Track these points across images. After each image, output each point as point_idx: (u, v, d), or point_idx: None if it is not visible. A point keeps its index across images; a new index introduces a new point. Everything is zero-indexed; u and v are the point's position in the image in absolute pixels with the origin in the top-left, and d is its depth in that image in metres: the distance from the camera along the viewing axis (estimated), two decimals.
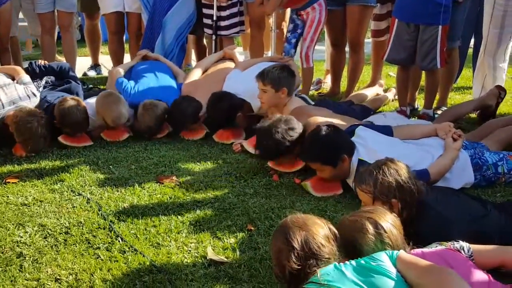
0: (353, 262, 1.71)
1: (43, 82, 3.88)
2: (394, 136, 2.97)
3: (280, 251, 1.76)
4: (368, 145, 2.82)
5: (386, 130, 3.00)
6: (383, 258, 1.71)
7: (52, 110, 3.47)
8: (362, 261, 1.71)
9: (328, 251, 1.74)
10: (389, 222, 1.91)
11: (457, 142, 2.82)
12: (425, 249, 1.90)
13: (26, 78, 3.72)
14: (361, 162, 2.74)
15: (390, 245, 1.84)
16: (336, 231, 1.84)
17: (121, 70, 4.19)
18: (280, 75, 3.49)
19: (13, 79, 3.71)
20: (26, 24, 5.51)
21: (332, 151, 2.76)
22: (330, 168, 2.79)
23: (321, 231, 1.77)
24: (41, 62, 3.98)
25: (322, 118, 3.19)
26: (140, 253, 2.22)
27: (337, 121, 3.23)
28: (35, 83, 3.77)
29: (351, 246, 1.87)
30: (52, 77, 3.92)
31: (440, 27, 3.73)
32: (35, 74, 3.84)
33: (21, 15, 5.30)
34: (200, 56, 5.23)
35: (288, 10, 4.91)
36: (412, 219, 2.16)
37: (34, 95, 3.60)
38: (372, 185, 2.20)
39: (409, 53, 3.94)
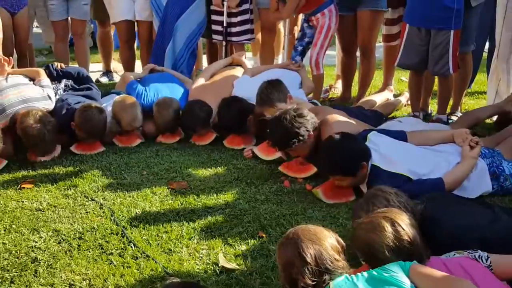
0: (365, 273, 1.68)
1: (62, 85, 3.88)
2: (408, 142, 2.94)
3: (291, 264, 1.72)
4: (381, 151, 2.80)
5: (400, 136, 2.97)
6: (396, 269, 1.67)
7: (72, 113, 3.50)
8: (374, 272, 1.67)
9: (341, 265, 1.71)
10: (406, 220, 1.86)
11: (475, 150, 2.77)
12: (444, 257, 1.88)
13: (46, 81, 3.74)
14: (374, 167, 2.73)
15: (409, 242, 1.80)
16: (343, 243, 1.80)
17: (132, 77, 4.23)
18: (276, 89, 3.46)
19: (33, 80, 3.74)
20: (40, 31, 5.60)
21: (352, 162, 2.73)
22: (350, 178, 2.77)
23: (332, 245, 1.74)
24: (58, 65, 3.97)
25: (339, 117, 3.18)
26: (152, 259, 2.24)
27: (352, 123, 3.22)
28: (53, 85, 3.78)
29: (368, 249, 1.83)
30: (70, 80, 3.93)
31: (452, 31, 3.70)
32: (52, 77, 3.85)
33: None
34: (212, 60, 5.25)
35: (300, 16, 4.93)
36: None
37: (49, 97, 3.60)
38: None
39: (421, 58, 3.92)
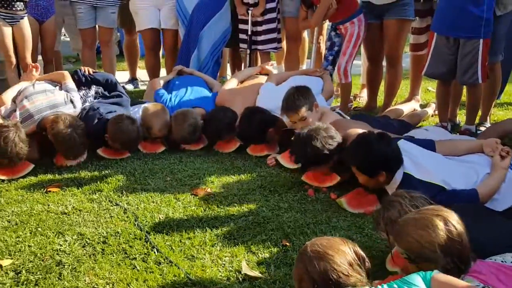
0: (385, 285, 1.61)
1: (93, 92, 3.88)
2: (436, 151, 2.88)
3: (302, 280, 1.68)
4: (414, 159, 2.74)
5: (429, 145, 2.91)
6: (417, 281, 1.60)
7: (104, 123, 3.52)
8: (395, 285, 1.60)
9: (353, 281, 1.63)
10: (458, 221, 1.78)
11: (506, 160, 2.69)
12: (489, 261, 1.81)
13: (71, 84, 3.77)
14: (406, 176, 2.66)
15: (459, 242, 1.72)
16: (363, 255, 1.71)
17: (161, 82, 4.28)
18: (303, 96, 3.41)
19: (59, 84, 3.79)
20: (68, 39, 5.71)
21: (373, 163, 2.66)
22: (366, 176, 2.72)
23: (343, 259, 1.65)
24: (86, 70, 3.98)
25: (363, 131, 3.11)
26: (175, 265, 2.23)
27: None
28: (82, 91, 3.82)
29: (417, 247, 1.74)
30: (100, 87, 3.93)
31: (481, 40, 3.64)
32: (81, 83, 3.88)
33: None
34: (235, 68, 5.28)
35: (326, 24, 4.91)
36: None
37: (72, 102, 3.63)
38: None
39: (449, 68, 3.85)
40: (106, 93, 3.92)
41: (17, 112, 3.48)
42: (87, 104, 3.73)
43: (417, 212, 1.85)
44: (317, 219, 2.67)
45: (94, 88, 3.91)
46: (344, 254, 1.67)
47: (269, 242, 2.43)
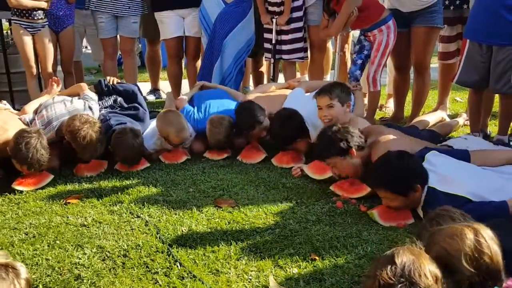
0: None
1: (110, 101, 3.84)
2: (471, 161, 2.77)
3: (378, 264, 1.60)
4: (438, 171, 2.64)
5: (463, 155, 2.80)
6: None
7: (111, 135, 3.48)
8: None
9: (426, 285, 1.55)
10: (490, 234, 1.71)
11: None
12: None
13: (89, 93, 3.76)
14: (430, 189, 2.56)
15: (489, 256, 1.65)
16: (439, 274, 1.61)
17: (186, 98, 4.20)
18: (342, 90, 3.42)
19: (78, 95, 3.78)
20: (90, 51, 5.72)
21: (405, 180, 2.57)
22: (401, 197, 2.60)
23: (430, 266, 1.60)
24: (111, 80, 3.94)
25: (394, 137, 3.04)
26: (199, 279, 2.11)
27: (407, 142, 3.04)
28: (102, 101, 3.80)
29: (445, 256, 1.68)
30: (120, 98, 3.88)
31: None
32: (102, 93, 3.85)
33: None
34: (258, 80, 5.20)
35: (351, 33, 4.81)
36: None
37: (91, 109, 3.60)
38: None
39: (482, 76, 3.70)
40: (124, 104, 3.86)
41: (37, 121, 3.47)
42: (101, 112, 3.70)
43: (449, 225, 1.82)
44: (347, 232, 2.54)
45: (113, 98, 3.86)
46: (431, 264, 1.61)
47: (297, 256, 2.30)
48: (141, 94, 4.01)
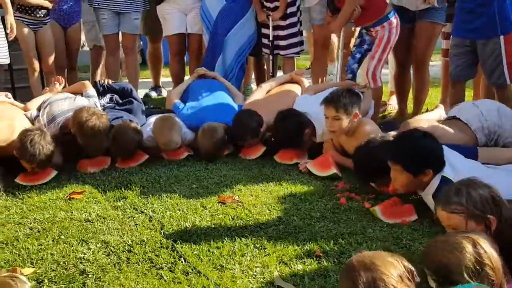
0: None
1: (107, 99, 3.90)
2: (479, 159, 2.77)
3: None
4: (453, 165, 2.61)
5: (471, 152, 2.80)
6: None
7: (110, 129, 3.47)
8: None
9: None
10: (489, 244, 1.69)
11: None
12: None
13: (92, 91, 3.79)
14: (444, 179, 2.51)
15: (490, 267, 1.63)
16: (412, 268, 1.62)
17: (176, 94, 4.18)
18: (350, 99, 3.25)
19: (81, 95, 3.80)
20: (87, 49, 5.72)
21: (420, 159, 2.52)
22: (408, 175, 2.55)
23: (393, 271, 1.56)
24: (106, 81, 4.03)
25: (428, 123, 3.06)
26: (204, 275, 2.11)
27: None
28: (100, 99, 3.83)
29: (444, 270, 1.66)
30: (115, 95, 3.94)
31: (501, 37, 3.52)
32: (98, 92, 3.88)
33: None
34: (259, 78, 5.19)
35: (358, 29, 4.79)
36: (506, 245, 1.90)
37: (96, 106, 3.64)
38: (465, 201, 1.97)
39: (466, 68, 3.79)
40: (119, 100, 3.91)
41: (41, 117, 3.48)
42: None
43: (445, 236, 1.81)
44: (351, 229, 2.53)
45: (108, 96, 3.93)
46: (392, 266, 1.57)
47: (301, 253, 2.30)
48: (136, 93, 4.05)
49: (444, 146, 2.76)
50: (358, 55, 4.29)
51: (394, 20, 4.10)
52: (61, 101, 3.59)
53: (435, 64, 4.62)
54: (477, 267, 1.63)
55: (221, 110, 3.88)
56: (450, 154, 2.70)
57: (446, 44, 4.59)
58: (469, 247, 1.65)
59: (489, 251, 1.66)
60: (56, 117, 3.46)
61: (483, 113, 3.15)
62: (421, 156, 2.53)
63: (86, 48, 5.97)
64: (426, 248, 1.79)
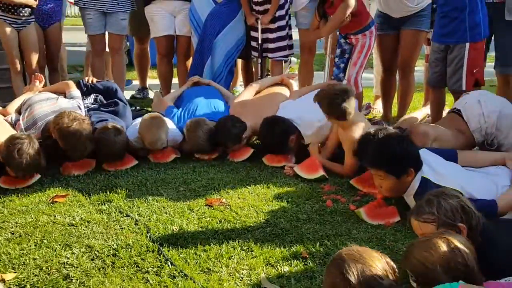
0: None
1: (91, 99, 3.83)
2: (458, 161, 2.83)
3: (335, 286, 1.66)
4: (432, 165, 2.69)
5: (451, 155, 2.86)
6: None
7: (93, 132, 3.40)
8: None
9: (387, 285, 1.62)
10: (463, 242, 1.78)
11: None
12: (503, 281, 1.73)
13: (75, 92, 3.72)
14: (424, 180, 2.59)
15: (464, 264, 1.72)
16: (394, 265, 1.71)
17: (169, 99, 4.15)
18: (343, 104, 3.16)
19: (63, 95, 3.73)
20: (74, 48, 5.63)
21: (401, 161, 2.60)
22: (392, 179, 2.62)
23: (378, 264, 1.66)
24: (90, 80, 3.95)
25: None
26: (191, 278, 2.10)
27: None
28: (83, 100, 3.76)
29: (421, 268, 1.75)
30: (100, 95, 3.87)
31: (467, 44, 3.58)
32: (82, 92, 3.81)
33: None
34: (248, 81, 5.17)
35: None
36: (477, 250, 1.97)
37: (80, 108, 3.57)
38: (435, 211, 2.05)
39: (439, 74, 3.83)
40: (104, 100, 3.84)
41: (21, 121, 3.41)
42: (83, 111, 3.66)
43: (422, 237, 1.92)
44: (337, 230, 2.56)
45: (93, 96, 3.86)
46: (378, 259, 1.68)
47: (288, 255, 2.31)
48: (121, 93, 3.99)
49: (424, 149, 2.84)
50: (342, 65, 4.41)
51: (374, 29, 4.23)
52: (43, 103, 3.52)
53: (418, 69, 4.68)
54: (451, 264, 1.71)
55: (214, 115, 3.86)
56: (430, 157, 2.76)
57: (429, 50, 4.64)
58: (443, 246, 1.74)
59: (463, 249, 1.75)
60: (37, 121, 3.40)
61: (485, 114, 3.21)
62: (401, 157, 2.61)
63: (72, 47, 5.89)
64: (406, 249, 1.86)
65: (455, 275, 1.68)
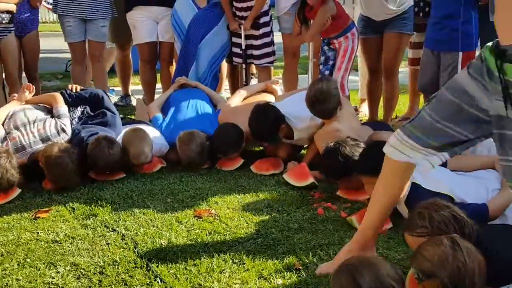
0: None
1: (78, 112, 3.72)
2: (448, 166, 2.81)
3: None
4: (420, 170, 2.63)
5: None
6: None
7: (86, 147, 3.32)
8: None
9: None
10: (469, 246, 1.79)
11: None
12: None
13: (62, 109, 3.59)
14: (414, 185, 2.56)
15: (462, 263, 1.73)
16: (401, 273, 1.72)
17: (156, 106, 4.08)
18: (335, 97, 3.28)
19: (50, 107, 3.63)
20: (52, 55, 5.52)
21: None
22: None
23: (389, 272, 1.71)
24: (73, 88, 3.81)
25: (388, 133, 3.06)
26: None
27: None
28: (70, 113, 3.65)
29: (426, 264, 1.76)
30: (87, 106, 3.76)
31: (460, 53, 3.63)
32: (67, 103, 3.70)
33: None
34: (234, 85, 5.13)
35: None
36: None
37: (64, 131, 3.47)
38: (428, 224, 2.02)
39: (431, 80, 3.87)
40: (91, 112, 3.73)
41: (10, 143, 3.33)
42: (72, 126, 3.56)
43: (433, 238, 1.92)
44: (329, 239, 2.51)
45: (79, 109, 3.75)
46: (385, 265, 1.73)
47: (281, 266, 2.25)
48: (108, 99, 3.88)
49: None
50: (326, 72, 4.39)
51: (356, 30, 4.23)
52: (30, 126, 3.43)
53: (402, 70, 4.70)
54: (450, 260, 1.73)
55: (202, 121, 3.81)
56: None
57: (412, 53, 4.71)
58: (446, 242, 1.77)
59: (466, 250, 1.76)
60: (25, 147, 3.34)
61: None
62: None
63: (49, 54, 5.77)
64: (416, 250, 1.87)
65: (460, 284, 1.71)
